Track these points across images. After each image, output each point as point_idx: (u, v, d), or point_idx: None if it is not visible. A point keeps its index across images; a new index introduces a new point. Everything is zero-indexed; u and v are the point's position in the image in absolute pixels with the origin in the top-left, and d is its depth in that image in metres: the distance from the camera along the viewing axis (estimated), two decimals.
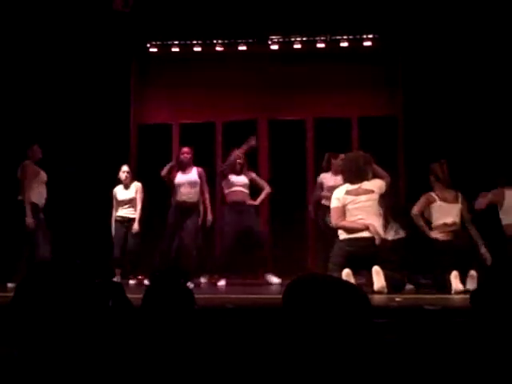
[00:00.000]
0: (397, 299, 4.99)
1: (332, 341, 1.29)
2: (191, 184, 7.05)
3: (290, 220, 8.11)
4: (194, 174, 7.11)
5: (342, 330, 1.29)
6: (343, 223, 5.88)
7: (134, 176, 7.59)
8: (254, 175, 7.43)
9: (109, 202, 7.42)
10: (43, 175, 6.86)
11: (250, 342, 2.77)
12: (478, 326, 1.95)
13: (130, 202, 7.36)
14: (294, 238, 8.09)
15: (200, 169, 7.18)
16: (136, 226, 7.26)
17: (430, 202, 6.08)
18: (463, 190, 6.24)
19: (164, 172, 7.13)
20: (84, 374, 1.43)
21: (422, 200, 6.10)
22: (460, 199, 6.07)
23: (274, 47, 8.41)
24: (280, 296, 1.46)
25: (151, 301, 2.23)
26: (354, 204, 5.87)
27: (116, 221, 7.41)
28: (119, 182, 7.43)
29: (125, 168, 7.41)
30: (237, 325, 3.58)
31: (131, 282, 7.11)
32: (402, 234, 6.45)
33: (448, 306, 4.52)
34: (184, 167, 7.11)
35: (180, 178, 7.09)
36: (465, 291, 5.43)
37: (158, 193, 7.56)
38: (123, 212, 7.39)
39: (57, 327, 1.43)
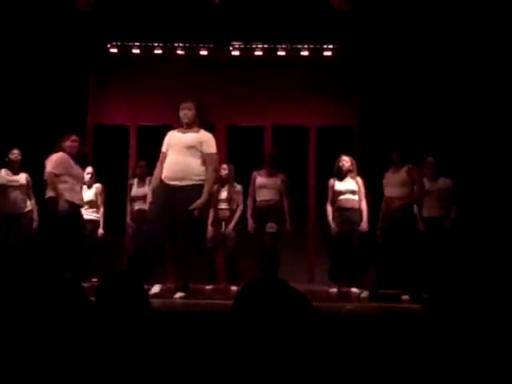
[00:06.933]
0: (347, 307, 5.07)
1: (274, 343, 1.32)
2: None
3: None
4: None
5: (284, 333, 1.33)
6: None
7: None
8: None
9: None
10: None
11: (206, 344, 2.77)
12: (429, 332, 1.99)
13: (89, 204, 7.11)
14: None
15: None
16: (101, 230, 7.25)
17: None
18: None
19: None
20: (46, 373, 1.43)
21: None
22: None
23: (235, 53, 8.45)
24: None
25: (101, 303, 2.21)
26: None
27: None
28: None
29: (89, 169, 7.26)
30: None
31: (85, 284, 6.94)
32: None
33: (395, 313, 4.60)
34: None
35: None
36: None
37: (115, 193, 7.53)
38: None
39: (13, 326, 1.42)
